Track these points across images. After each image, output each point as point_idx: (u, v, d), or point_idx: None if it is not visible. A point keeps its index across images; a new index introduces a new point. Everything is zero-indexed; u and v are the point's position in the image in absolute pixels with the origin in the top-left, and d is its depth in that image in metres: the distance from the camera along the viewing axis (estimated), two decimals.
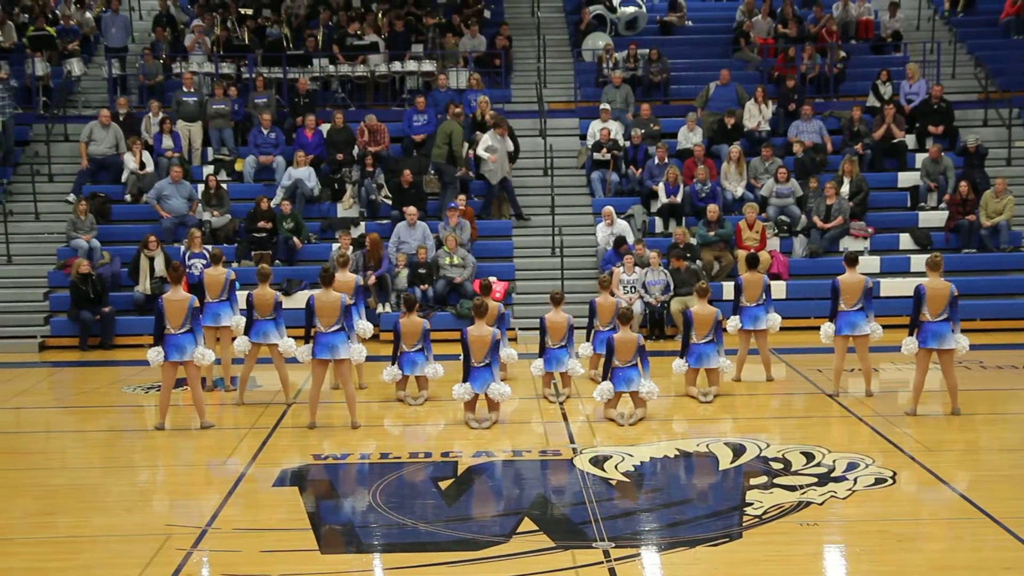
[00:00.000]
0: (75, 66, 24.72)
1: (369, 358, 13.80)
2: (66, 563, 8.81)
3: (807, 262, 20.25)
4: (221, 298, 14.72)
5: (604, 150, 21.96)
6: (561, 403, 14.13)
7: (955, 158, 21.78)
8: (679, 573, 8.48)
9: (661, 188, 21.00)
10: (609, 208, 20.29)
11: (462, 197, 20.69)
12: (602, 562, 8.54)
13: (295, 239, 20.24)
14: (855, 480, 10.53)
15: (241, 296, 14.83)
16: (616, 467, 11.13)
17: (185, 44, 24.95)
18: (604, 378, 13.29)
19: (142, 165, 21.66)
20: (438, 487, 10.65)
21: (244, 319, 14.33)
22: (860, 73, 24.78)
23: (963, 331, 12.96)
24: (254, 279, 14.49)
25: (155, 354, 12.78)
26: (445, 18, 25.98)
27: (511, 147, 21.38)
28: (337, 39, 24.91)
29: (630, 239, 19.67)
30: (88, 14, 26.77)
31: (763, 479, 10.65)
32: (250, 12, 26.60)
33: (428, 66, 24.52)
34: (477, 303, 13.03)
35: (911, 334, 12.87)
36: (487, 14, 27.08)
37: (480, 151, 21.10)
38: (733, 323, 15.13)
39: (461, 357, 13.08)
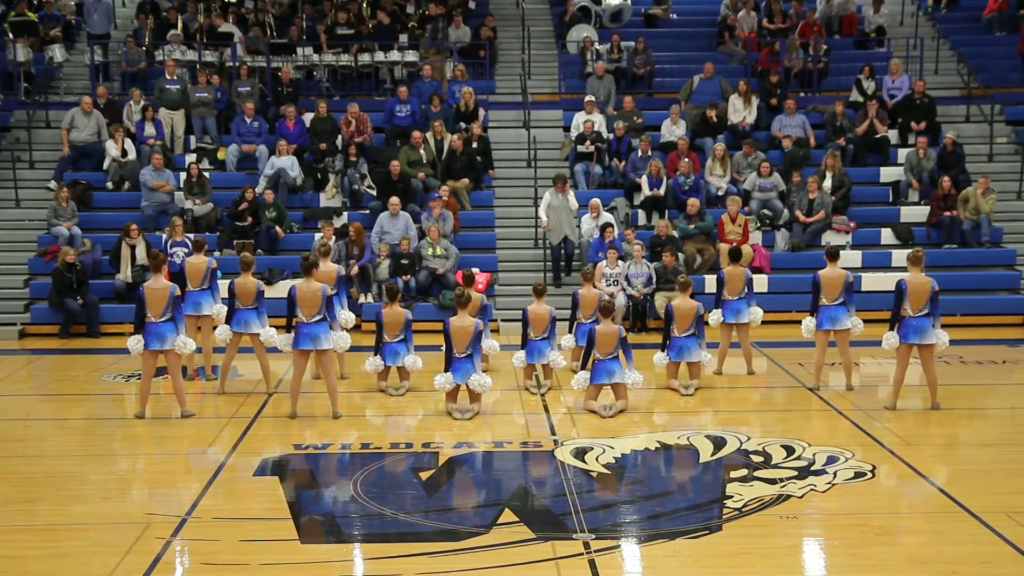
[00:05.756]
0: (57, 52, 24.60)
1: (351, 348, 13.79)
2: (45, 551, 8.77)
3: (789, 256, 20.30)
4: (202, 287, 14.66)
5: (588, 142, 21.97)
6: (543, 395, 14.14)
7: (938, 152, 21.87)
8: (659, 565, 8.49)
9: (644, 181, 21.02)
10: (596, 200, 20.26)
11: (445, 188, 20.66)
12: (582, 553, 8.55)
13: (277, 228, 20.19)
14: (835, 474, 10.57)
15: (223, 285, 14.79)
16: (597, 459, 11.14)
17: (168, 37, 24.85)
18: (582, 367, 13.31)
19: (124, 153, 21.57)
20: (419, 478, 10.64)
21: (226, 308, 14.27)
22: (843, 68, 24.86)
23: (944, 326, 13.01)
24: (236, 268, 14.42)
25: (135, 342, 12.74)
26: (438, 7, 25.91)
27: (574, 205, 20.16)
28: (326, 29, 24.87)
29: (616, 232, 19.68)
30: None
31: (743, 472, 10.68)
32: (233, 0, 26.51)
33: (411, 56, 24.47)
34: (459, 293, 13.03)
35: (892, 329, 12.92)
36: (472, 5, 27.05)
37: (540, 211, 20.25)
38: (715, 316, 15.15)
39: (443, 348, 13.07)
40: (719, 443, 11.71)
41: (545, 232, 20.07)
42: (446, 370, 12.91)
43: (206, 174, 21.37)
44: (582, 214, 20.32)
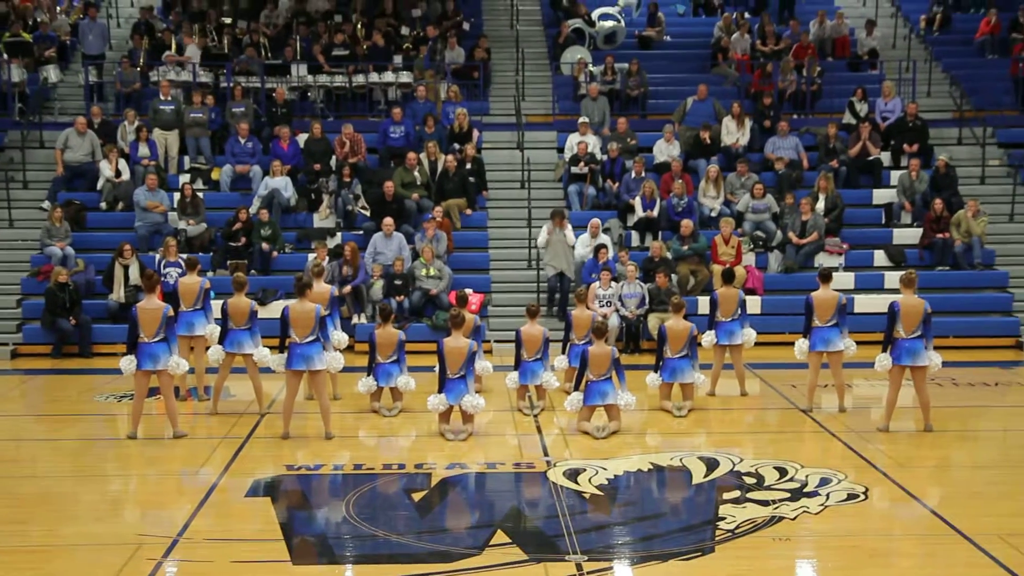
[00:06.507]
0: (51, 73, 24.61)
1: (344, 369, 13.78)
2: (36, 572, 8.76)
3: (782, 277, 20.33)
4: (195, 307, 14.65)
5: (581, 164, 22.01)
6: (535, 416, 14.13)
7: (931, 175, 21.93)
8: None
9: (638, 202, 21.05)
10: (596, 220, 20.19)
11: (439, 209, 20.68)
12: (575, 575, 8.54)
13: (263, 244, 20.14)
14: (827, 495, 10.57)
15: (216, 305, 14.78)
16: (590, 480, 11.13)
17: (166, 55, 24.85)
18: (576, 388, 13.30)
19: (118, 173, 21.57)
20: (411, 499, 10.63)
21: (218, 328, 14.27)
22: (836, 90, 24.93)
23: (936, 348, 13.04)
24: (229, 288, 14.42)
25: (128, 363, 12.72)
26: (424, 31, 25.96)
27: (572, 240, 19.89)
28: (322, 50, 24.92)
29: (611, 253, 19.67)
30: (64, 18, 26.70)
31: (736, 494, 10.68)
32: (229, 21, 26.56)
33: (406, 77, 24.53)
34: (454, 314, 13.02)
35: (885, 350, 12.94)
36: (466, 27, 27.10)
37: (539, 242, 20.07)
38: (708, 338, 15.16)
39: (437, 368, 13.06)
40: (712, 464, 11.70)
41: (542, 264, 20.00)
42: (439, 391, 12.90)
43: (200, 194, 21.38)
44: (579, 235, 20.24)
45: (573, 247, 20.00)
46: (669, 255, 19.89)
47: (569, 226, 20.07)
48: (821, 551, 9.27)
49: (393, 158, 22.19)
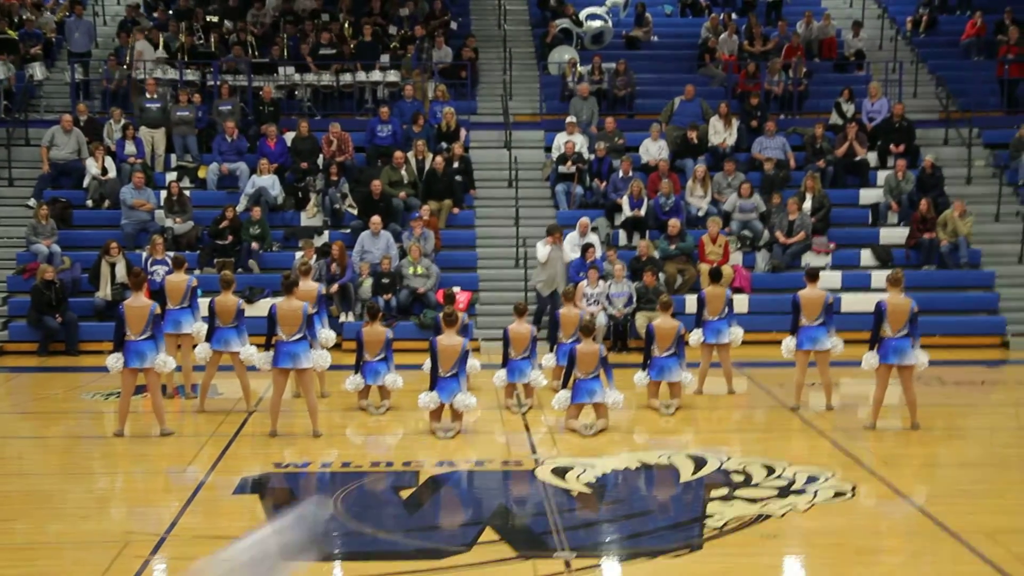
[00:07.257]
0: (37, 70, 24.54)
1: (331, 367, 13.76)
2: (23, 570, 8.71)
3: (769, 276, 20.38)
4: (183, 305, 14.62)
5: (569, 163, 22.02)
6: (523, 414, 14.13)
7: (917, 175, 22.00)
8: None
9: (625, 201, 21.08)
10: (585, 219, 20.21)
11: (426, 207, 20.68)
12: (563, 572, 8.53)
13: (256, 244, 20.13)
14: (815, 493, 10.58)
15: (203, 303, 14.75)
16: (578, 478, 11.14)
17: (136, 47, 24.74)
18: (563, 387, 13.31)
19: (104, 171, 21.52)
20: (399, 496, 10.62)
21: (206, 326, 14.24)
22: (823, 91, 25.04)
23: (922, 347, 13.08)
24: (216, 286, 14.39)
25: (114, 360, 12.67)
26: (412, 30, 25.95)
27: (568, 257, 19.82)
28: (310, 51, 24.88)
29: (598, 252, 19.68)
30: (50, 15, 26.62)
31: (724, 491, 10.68)
32: (216, 20, 26.50)
33: (393, 76, 24.51)
34: (448, 313, 12.95)
35: (871, 349, 12.98)
36: (454, 26, 27.12)
37: (539, 258, 19.69)
38: (696, 336, 15.19)
39: (425, 365, 13.03)
40: (700, 462, 11.71)
41: (533, 284, 19.98)
42: (431, 388, 12.87)
43: (187, 192, 21.34)
44: (567, 234, 20.22)
45: (568, 263, 19.91)
46: (656, 254, 19.92)
47: (563, 242, 19.96)
48: (808, 549, 9.29)
49: (380, 157, 22.17)
